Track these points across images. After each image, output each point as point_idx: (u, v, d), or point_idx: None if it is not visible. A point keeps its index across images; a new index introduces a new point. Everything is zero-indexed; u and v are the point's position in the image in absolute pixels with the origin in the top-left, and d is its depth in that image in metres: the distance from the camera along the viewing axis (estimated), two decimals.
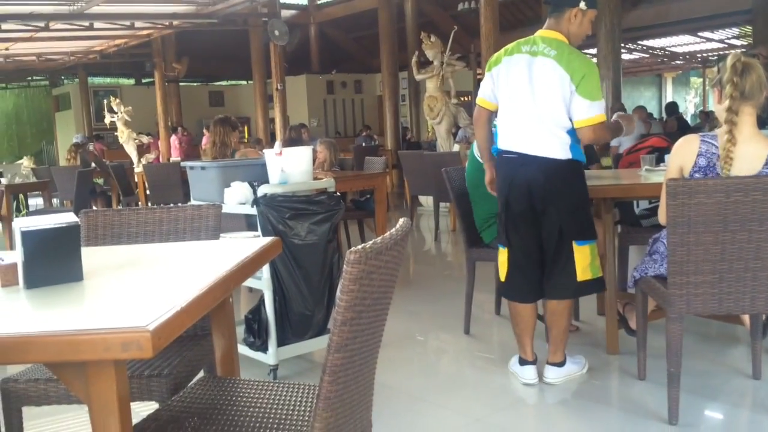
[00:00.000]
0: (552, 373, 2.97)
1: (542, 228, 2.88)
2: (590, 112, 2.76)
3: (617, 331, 3.24)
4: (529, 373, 2.99)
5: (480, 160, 3.48)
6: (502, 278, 3.04)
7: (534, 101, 2.81)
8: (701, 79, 25.89)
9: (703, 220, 2.33)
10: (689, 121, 15.93)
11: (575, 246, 2.85)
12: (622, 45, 12.59)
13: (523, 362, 3.02)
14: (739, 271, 2.38)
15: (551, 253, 2.90)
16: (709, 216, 2.32)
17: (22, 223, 1.41)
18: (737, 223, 2.32)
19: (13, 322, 1.26)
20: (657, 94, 27.66)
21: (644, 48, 20.68)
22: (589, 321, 3.80)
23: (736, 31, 18.82)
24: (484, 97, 3.01)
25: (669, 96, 26.68)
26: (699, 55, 23.20)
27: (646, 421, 2.57)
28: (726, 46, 20.81)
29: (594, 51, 14.81)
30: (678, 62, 23.99)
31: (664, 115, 18.15)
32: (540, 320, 3.13)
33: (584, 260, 2.87)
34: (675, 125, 10.96)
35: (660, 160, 3.48)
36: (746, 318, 2.83)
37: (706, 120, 16.18)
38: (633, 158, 3.96)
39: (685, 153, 2.59)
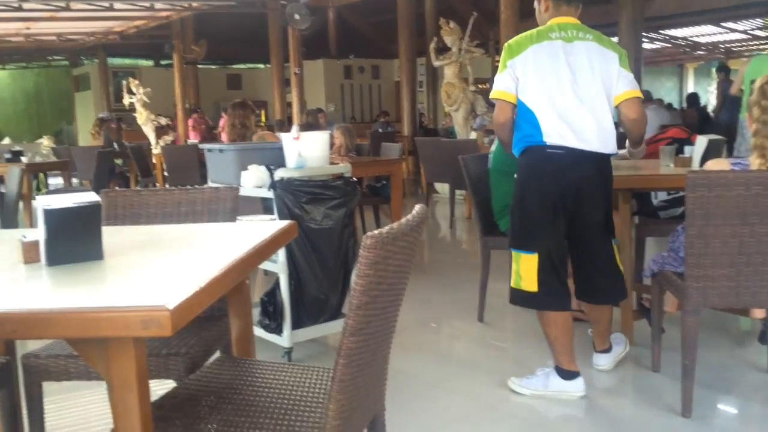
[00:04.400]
0: (604, 359, 2.97)
1: (582, 229, 2.69)
2: (635, 85, 2.66)
3: (632, 323, 3.23)
4: (582, 384, 2.72)
5: None
6: (532, 288, 2.68)
7: (581, 89, 2.58)
8: None
9: (722, 213, 2.31)
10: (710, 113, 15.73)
11: (614, 245, 2.78)
12: (644, 34, 12.41)
13: (571, 375, 2.72)
14: (757, 265, 2.37)
15: (597, 256, 2.73)
16: (729, 209, 2.30)
17: (44, 202, 1.43)
18: (757, 216, 2.30)
19: (36, 298, 1.28)
20: (678, 85, 27.31)
21: (666, 38, 20.39)
22: None
23: (760, 22, 18.50)
24: (506, 89, 2.63)
25: (690, 87, 26.33)
26: (722, 46, 22.83)
27: (659, 413, 2.57)
28: (750, 37, 20.47)
29: (615, 39, 14.65)
30: (700, 52, 23.64)
31: (685, 105, 17.90)
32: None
33: (618, 258, 2.80)
34: (696, 116, 10.83)
35: (680, 151, 3.44)
36: (756, 311, 2.80)
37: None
38: (652, 149, 3.92)
39: None
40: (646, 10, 11.17)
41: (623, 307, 3.26)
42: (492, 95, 2.70)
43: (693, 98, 12.50)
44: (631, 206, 3.25)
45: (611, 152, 2.68)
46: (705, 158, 3.14)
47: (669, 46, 21.86)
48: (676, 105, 17.52)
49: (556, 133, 2.58)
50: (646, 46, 18.29)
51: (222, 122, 13.24)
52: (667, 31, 19.42)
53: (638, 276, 3.47)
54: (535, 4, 2.79)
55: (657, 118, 8.72)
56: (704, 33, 20.37)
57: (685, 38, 20.88)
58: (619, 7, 10.35)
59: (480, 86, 10.28)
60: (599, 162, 2.64)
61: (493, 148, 3.62)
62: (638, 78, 11.20)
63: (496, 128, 2.83)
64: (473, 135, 8.65)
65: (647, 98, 9.47)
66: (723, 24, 18.99)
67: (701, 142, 3.22)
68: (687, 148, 3.44)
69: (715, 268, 2.38)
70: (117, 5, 11.95)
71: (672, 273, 2.69)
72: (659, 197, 3.79)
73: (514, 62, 2.61)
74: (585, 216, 2.67)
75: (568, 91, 2.58)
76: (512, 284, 2.78)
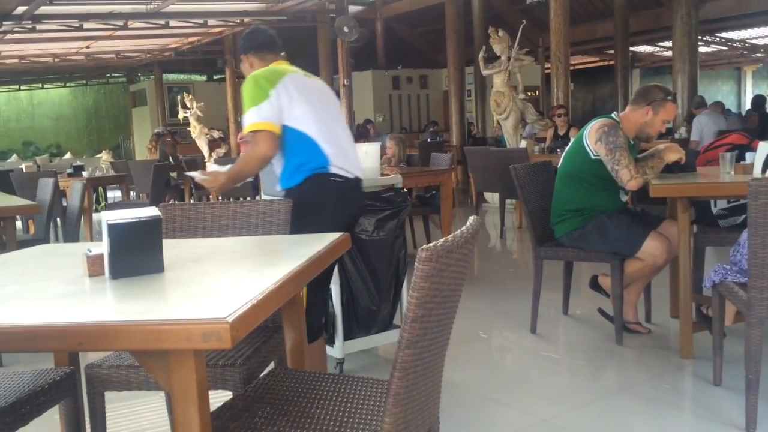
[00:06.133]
0: None
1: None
2: None
3: (691, 335, 3.13)
4: None
5: (588, 146, 3.34)
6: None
7: (343, 121, 2.72)
8: None
9: None
10: None
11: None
12: (699, 37, 12.10)
13: None
14: None
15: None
16: None
17: (108, 216, 1.48)
18: None
19: (101, 311, 1.33)
20: (735, 88, 26.51)
21: (722, 40, 19.83)
22: (661, 324, 3.70)
23: None
24: (269, 120, 2.46)
25: (749, 90, 25.51)
26: None
27: (721, 429, 2.49)
28: None
29: (669, 44, 14.30)
30: (759, 55, 22.90)
31: (743, 110, 17.29)
32: None
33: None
34: (756, 121, 10.42)
35: (740, 158, 3.34)
36: None
37: None
38: (711, 155, 3.81)
39: None
40: (701, 13, 10.90)
41: (681, 318, 3.17)
42: (251, 128, 2.46)
43: (759, 101, 11.80)
44: (689, 214, 3.17)
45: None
46: None
47: (725, 48, 21.25)
48: (733, 109, 16.98)
49: (341, 158, 2.56)
50: (702, 49, 17.83)
51: None
52: (723, 34, 18.89)
53: (697, 286, 3.37)
54: (242, 65, 2.78)
55: (713, 124, 8.44)
56: (762, 35, 19.72)
57: (742, 40, 20.25)
58: (673, 11, 10.13)
59: (529, 94, 10.18)
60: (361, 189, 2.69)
61: (567, 149, 3.57)
62: (693, 82, 10.94)
63: (258, 162, 2.52)
64: (523, 143, 8.57)
65: (700, 104, 9.15)
66: None
67: (763, 148, 3.11)
68: (748, 155, 3.33)
69: None
70: (172, 23, 12.32)
71: (734, 283, 2.60)
72: (719, 205, 3.68)
73: (277, 90, 2.48)
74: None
75: (335, 120, 2.62)
76: None
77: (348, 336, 3.13)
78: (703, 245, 3.59)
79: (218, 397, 1.99)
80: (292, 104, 2.49)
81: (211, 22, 12.99)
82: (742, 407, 2.44)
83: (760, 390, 2.40)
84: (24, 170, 9.04)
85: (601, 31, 16.51)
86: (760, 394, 2.41)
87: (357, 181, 2.63)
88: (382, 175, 3.49)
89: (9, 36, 11.61)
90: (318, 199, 2.52)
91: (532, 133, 9.88)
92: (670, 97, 3.38)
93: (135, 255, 1.49)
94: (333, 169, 2.53)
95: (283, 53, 2.74)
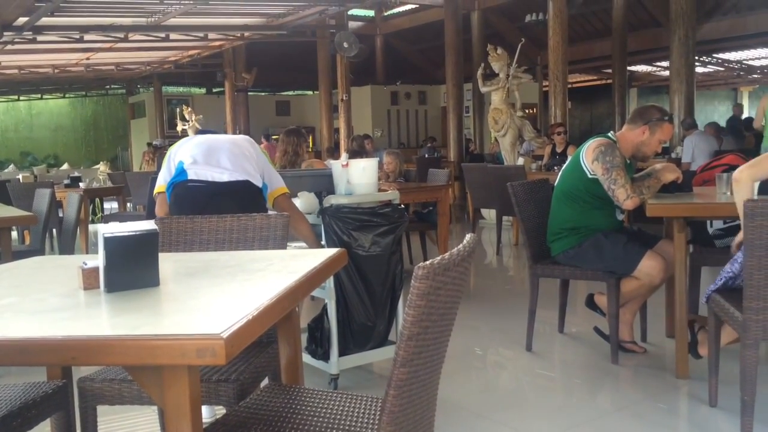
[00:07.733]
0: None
1: None
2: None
3: (687, 355, 3.13)
4: None
5: (585, 165, 3.38)
6: None
7: (231, 150, 3.12)
8: None
9: None
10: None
11: None
12: (696, 58, 12.19)
13: None
14: None
15: None
16: None
17: (104, 229, 1.48)
18: None
19: (95, 325, 1.32)
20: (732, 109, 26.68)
21: (719, 61, 19.99)
22: (657, 343, 3.69)
23: None
24: (161, 183, 3.07)
25: (745, 110, 25.67)
26: None
27: None
28: None
29: (666, 64, 14.40)
30: (755, 76, 23.08)
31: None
32: None
33: None
34: (753, 141, 10.46)
35: None
36: None
37: None
38: (707, 176, 3.83)
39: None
40: (698, 34, 10.99)
41: (677, 338, 3.16)
42: (155, 193, 3.13)
43: (751, 122, 11.82)
44: (686, 234, 3.17)
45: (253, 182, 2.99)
46: (764, 185, 3.05)
47: (722, 69, 21.41)
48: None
49: (197, 169, 2.99)
50: (699, 69, 17.97)
51: (264, 144, 13.50)
52: (720, 55, 19.04)
53: (693, 306, 3.37)
54: None
55: (705, 144, 8.44)
56: (758, 56, 19.91)
57: (738, 61, 20.41)
58: (671, 32, 10.21)
59: (527, 112, 10.24)
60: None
61: (564, 168, 3.58)
62: (690, 102, 11.05)
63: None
64: (520, 160, 8.60)
65: (690, 126, 9.16)
66: None
67: None
68: None
69: None
70: (172, 36, 12.38)
71: (728, 302, 2.59)
72: (715, 225, 3.70)
73: (171, 151, 3.12)
74: None
75: (212, 150, 3.02)
76: None
77: (343, 352, 3.12)
78: (699, 265, 3.60)
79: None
80: (177, 153, 3.09)
81: (211, 35, 13.06)
82: (737, 429, 2.43)
83: (755, 412, 2.39)
84: (21, 180, 9.03)
85: (599, 50, 16.64)
86: (756, 415, 2.40)
87: (230, 183, 2.94)
88: (380, 190, 3.49)
89: (9, 46, 11.64)
90: (183, 201, 2.97)
91: (529, 151, 9.92)
92: (666, 118, 3.40)
93: (130, 269, 1.48)
94: (191, 176, 2.97)
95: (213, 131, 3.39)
